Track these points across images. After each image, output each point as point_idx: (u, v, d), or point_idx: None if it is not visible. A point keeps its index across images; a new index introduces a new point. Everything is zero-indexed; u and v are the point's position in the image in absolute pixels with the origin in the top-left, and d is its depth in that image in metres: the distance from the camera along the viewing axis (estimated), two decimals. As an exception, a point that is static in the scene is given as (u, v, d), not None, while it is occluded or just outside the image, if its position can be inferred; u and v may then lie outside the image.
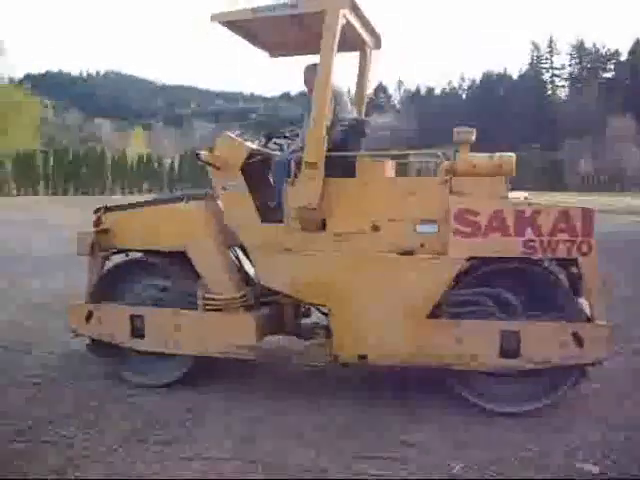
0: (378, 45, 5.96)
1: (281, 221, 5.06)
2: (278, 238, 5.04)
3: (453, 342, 4.62)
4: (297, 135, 5.54)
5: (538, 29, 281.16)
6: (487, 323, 4.62)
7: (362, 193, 4.93)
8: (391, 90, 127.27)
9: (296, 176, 4.92)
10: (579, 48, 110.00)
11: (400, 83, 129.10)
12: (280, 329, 5.53)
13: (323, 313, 5.37)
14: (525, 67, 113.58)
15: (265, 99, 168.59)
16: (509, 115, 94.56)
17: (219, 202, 5.36)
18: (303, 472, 3.81)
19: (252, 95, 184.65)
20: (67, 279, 9.80)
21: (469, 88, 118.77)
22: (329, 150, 4.90)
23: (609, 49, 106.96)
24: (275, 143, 5.83)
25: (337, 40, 4.76)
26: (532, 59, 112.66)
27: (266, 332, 5.31)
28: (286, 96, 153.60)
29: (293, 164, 4.95)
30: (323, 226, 4.98)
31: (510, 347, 4.54)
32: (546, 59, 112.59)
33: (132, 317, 5.32)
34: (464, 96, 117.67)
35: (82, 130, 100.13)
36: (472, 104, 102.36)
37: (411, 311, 4.68)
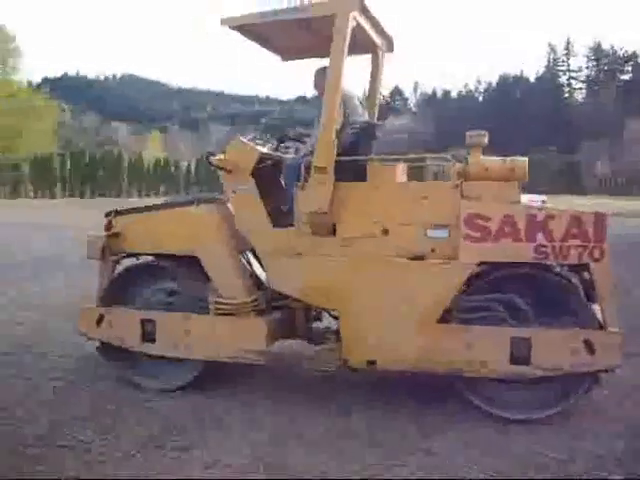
0: (390, 48, 5.93)
1: (292, 225, 5.04)
2: (289, 242, 5.02)
3: (463, 348, 4.57)
4: (309, 135, 5.53)
5: (555, 31, 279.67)
6: (497, 329, 4.57)
7: (373, 197, 4.89)
8: (407, 93, 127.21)
9: (306, 180, 4.90)
10: (596, 50, 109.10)
11: (416, 85, 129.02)
12: (291, 333, 5.49)
13: (334, 317, 5.34)
14: (542, 69, 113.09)
15: (281, 102, 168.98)
16: (526, 118, 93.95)
17: (230, 206, 5.35)
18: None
19: (268, 98, 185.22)
20: (87, 281, 9.77)
21: (485, 91, 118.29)
22: (340, 154, 4.87)
23: (627, 51, 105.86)
24: (287, 147, 5.83)
25: (347, 43, 4.74)
26: (549, 61, 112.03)
27: (277, 337, 5.29)
28: (302, 99, 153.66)
29: (303, 168, 4.93)
30: (334, 230, 4.95)
31: (520, 354, 4.49)
32: (563, 61, 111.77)
33: (143, 321, 5.31)
34: (480, 99, 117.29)
35: (99, 133, 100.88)
36: (489, 107, 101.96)
37: (421, 316, 4.64)
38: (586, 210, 4.52)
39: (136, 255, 5.64)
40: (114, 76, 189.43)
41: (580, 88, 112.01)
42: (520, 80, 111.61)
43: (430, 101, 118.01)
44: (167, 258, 5.40)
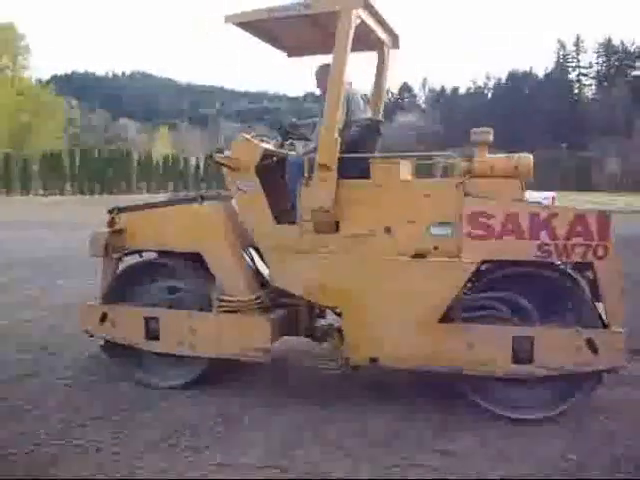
0: (396, 44, 5.90)
1: (295, 222, 5.03)
2: (292, 240, 5.00)
3: (465, 347, 4.54)
4: (310, 125, 5.50)
5: (564, 27, 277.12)
6: (500, 328, 4.54)
7: (376, 195, 4.86)
8: (416, 90, 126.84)
9: (310, 178, 4.88)
10: (607, 46, 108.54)
11: (425, 82, 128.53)
12: (295, 331, 5.49)
13: (337, 314, 5.33)
14: (551, 66, 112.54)
15: (290, 99, 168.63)
16: (535, 114, 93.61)
17: (234, 203, 5.34)
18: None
19: (276, 95, 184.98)
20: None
21: (495, 87, 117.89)
22: (344, 151, 4.85)
23: (637, 46, 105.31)
24: (291, 144, 5.81)
25: (350, 40, 4.72)
26: (558, 57, 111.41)
27: (281, 334, 5.28)
28: (311, 95, 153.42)
29: (307, 165, 4.91)
30: (337, 228, 4.93)
31: (523, 353, 4.46)
32: (573, 57, 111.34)
33: (146, 319, 5.31)
34: (489, 95, 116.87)
35: (107, 130, 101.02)
36: (498, 103, 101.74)
37: (423, 314, 4.62)
38: (590, 208, 4.48)
39: (139, 252, 5.64)
40: (123, 73, 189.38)
41: (590, 84, 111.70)
42: (529, 76, 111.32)
43: (439, 98, 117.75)
44: (171, 255, 5.39)
